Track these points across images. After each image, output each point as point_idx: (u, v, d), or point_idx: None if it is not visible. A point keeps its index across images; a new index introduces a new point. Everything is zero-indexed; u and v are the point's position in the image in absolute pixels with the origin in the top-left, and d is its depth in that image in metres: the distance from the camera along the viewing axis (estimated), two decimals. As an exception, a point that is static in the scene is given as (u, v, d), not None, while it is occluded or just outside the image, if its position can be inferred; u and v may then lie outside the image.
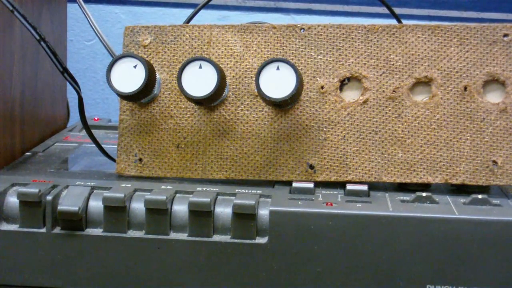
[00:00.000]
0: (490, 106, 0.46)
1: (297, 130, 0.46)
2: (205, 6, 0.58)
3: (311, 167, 0.46)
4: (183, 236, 0.42)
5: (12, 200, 0.43)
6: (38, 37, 0.46)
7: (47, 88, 0.62)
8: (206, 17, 0.92)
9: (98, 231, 0.43)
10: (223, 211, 0.42)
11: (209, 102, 0.45)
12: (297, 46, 0.47)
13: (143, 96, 0.45)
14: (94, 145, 0.50)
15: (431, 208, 0.42)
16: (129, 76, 0.44)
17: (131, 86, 0.44)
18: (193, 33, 0.47)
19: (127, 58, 0.44)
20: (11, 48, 0.52)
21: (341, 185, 0.46)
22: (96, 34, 0.58)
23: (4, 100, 0.51)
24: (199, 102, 0.44)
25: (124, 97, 0.45)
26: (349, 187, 0.44)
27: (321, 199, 0.43)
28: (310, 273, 0.42)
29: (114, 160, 0.49)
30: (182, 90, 0.43)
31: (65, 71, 0.48)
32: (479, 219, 0.41)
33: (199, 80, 0.43)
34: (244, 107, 0.47)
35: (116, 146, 0.48)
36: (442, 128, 0.46)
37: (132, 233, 0.43)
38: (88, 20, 0.58)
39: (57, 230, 0.43)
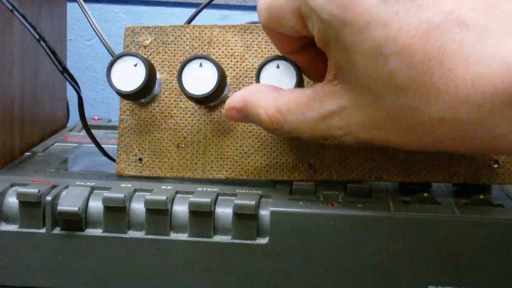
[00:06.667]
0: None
1: (298, 130, 0.46)
2: (206, 6, 0.58)
3: (312, 166, 0.46)
4: (183, 236, 0.42)
5: (12, 200, 0.43)
6: (37, 37, 0.46)
7: (46, 88, 0.62)
8: (207, 16, 0.92)
9: (98, 232, 0.43)
10: (224, 211, 0.42)
11: (210, 101, 0.45)
12: (298, 45, 0.47)
13: (143, 95, 0.45)
14: (94, 145, 0.50)
15: (432, 209, 0.42)
16: (129, 75, 0.44)
17: (132, 85, 0.44)
18: (193, 33, 0.47)
19: (127, 56, 0.44)
20: (10, 47, 0.52)
21: (342, 185, 0.46)
22: (96, 34, 0.58)
23: (4, 100, 0.51)
24: (199, 100, 0.44)
25: (125, 96, 0.44)
26: (350, 187, 0.44)
27: (322, 199, 0.43)
28: (311, 274, 0.41)
29: (114, 160, 0.49)
30: (183, 89, 0.43)
31: (64, 70, 0.48)
32: (481, 220, 0.40)
33: (200, 79, 0.43)
34: (245, 107, 0.46)
35: (116, 146, 0.48)
36: None
37: (132, 234, 0.42)
38: (88, 19, 0.58)
39: (56, 230, 0.43)
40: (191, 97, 0.44)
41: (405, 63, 0.32)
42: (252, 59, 0.47)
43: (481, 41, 0.31)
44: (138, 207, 0.43)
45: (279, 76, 0.42)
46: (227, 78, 0.46)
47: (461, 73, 0.31)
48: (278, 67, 0.42)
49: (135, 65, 0.44)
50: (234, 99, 0.41)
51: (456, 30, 0.31)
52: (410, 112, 0.33)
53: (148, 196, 0.42)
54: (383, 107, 0.34)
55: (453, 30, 0.31)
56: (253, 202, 0.41)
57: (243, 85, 0.47)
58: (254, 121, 0.40)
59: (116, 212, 0.42)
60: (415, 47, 0.32)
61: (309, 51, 0.41)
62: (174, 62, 0.47)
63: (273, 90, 0.40)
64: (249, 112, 0.40)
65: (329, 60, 0.37)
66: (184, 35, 0.47)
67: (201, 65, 0.43)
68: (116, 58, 0.44)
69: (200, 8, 0.58)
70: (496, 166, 0.45)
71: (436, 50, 0.31)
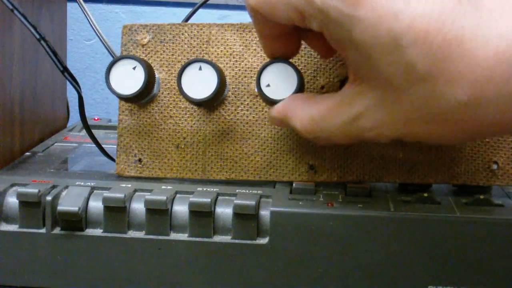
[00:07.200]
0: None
1: (297, 130, 0.46)
2: (205, 5, 0.58)
3: (312, 167, 0.46)
4: (183, 236, 0.42)
5: (12, 200, 0.43)
6: (38, 36, 0.46)
7: (47, 88, 0.62)
8: (206, 16, 0.92)
9: (98, 232, 0.43)
10: (224, 211, 0.42)
11: (209, 104, 0.45)
12: (298, 45, 0.47)
13: (142, 97, 0.45)
14: (94, 145, 0.50)
15: (432, 208, 0.42)
16: (128, 78, 0.44)
17: (131, 87, 0.44)
18: (192, 32, 0.47)
19: (126, 59, 0.44)
20: (10, 47, 0.52)
21: (342, 185, 0.46)
22: (96, 34, 0.58)
23: (4, 100, 0.51)
24: (199, 104, 0.44)
25: (124, 99, 0.44)
26: (350, 187, 0.44)
27: (322, 199, 0.43)
28: (311, 274, 0.41)
29: (114, 160, 0.49)
30: (182, 93, 0.43)
31: (65, 70, 0.48)
32: (481, 219, 0.40)
33: (199, 82, 0.43)
34: (244, 107, 0.46)
35: (116, 146, 0.48)
36: None
37: (132, 234, 0.42)
38: (88, 19, 0.58)
39: (57, 230, 0.43)
40: (191, 101, 0.44)
41: (423, 51, 0.31)
42: (251, 58, 0.47)
43: (499, 18, 0.31)
44: (138, 207, 0.43)
45: (280, 79, 0.42)
46: (226, 78, 0.46)
47: (482, 52, 0.31)
48: (278, 69, 0.42)
49: (134, 68, 0.44)
50: (277, 110, 0.41)
51: (471, 11, 0.31)
52: (435, 101, 0.33)
53: (148, 196, 0.42)
54: (407, 101, 0.34)
55: (468, 11, 0.31)
56: (253, 202, 0.41)
57: (242, 85, 0.47)
58: (294, 131, 0.41)
59: (116, 212, 0.42)
60: (432, 33, 0.31)
61: (290, 36, 0.40)
62: (172, 61, 0.47)
63: (307, 99, 0.40)
64: (288, 123, 0.40)
65: (347, 61, 0.36)
66: (183, 34, 0.47)
67: (200, 68, 0.43)
68: (114, 61, 0.44)
69: (196, 7, 0.58)
70: (495, 167, 0.45)
71: (454, 33, 0.31)
